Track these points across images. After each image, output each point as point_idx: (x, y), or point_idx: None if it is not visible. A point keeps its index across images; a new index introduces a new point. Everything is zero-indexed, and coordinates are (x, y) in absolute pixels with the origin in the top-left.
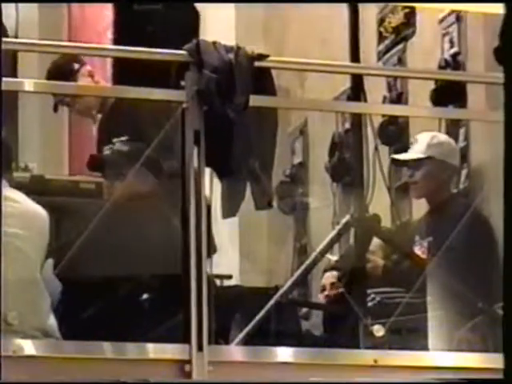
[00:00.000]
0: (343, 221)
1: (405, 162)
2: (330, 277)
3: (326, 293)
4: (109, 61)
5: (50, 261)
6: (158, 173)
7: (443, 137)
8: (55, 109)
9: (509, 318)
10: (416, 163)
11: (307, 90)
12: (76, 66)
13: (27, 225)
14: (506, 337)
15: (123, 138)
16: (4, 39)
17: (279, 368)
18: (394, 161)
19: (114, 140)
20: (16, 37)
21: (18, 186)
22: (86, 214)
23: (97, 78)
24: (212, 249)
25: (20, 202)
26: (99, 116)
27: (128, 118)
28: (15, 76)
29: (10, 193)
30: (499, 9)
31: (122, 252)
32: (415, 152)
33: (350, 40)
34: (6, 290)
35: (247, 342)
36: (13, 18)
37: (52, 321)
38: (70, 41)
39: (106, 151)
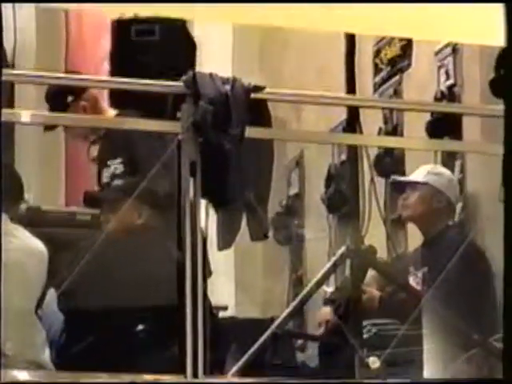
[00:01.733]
0: (339, 252)
1: (403, 187)
2: (324, 314)
3: (321, 330)
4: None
5: (53, 292)
6: (154, 204)
7: (445, 170)
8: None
9: (508, 320)
10: (413, 187)
11: (303, 121)
12: (69, 98)
13: (26, 260)
14: (506, 337)
15: (118, 161)
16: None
17: None
18: (393, 184)
19: (110, 163)
20: (13, 64)
21: (15, 217)
22: (82, 246)
23: (90, 112)
24: (208, 273)
25: (19, 237)
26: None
27: (123, 142)
28: (12, 106)
29: (9, 228)
30: (495, 41)
31: (118, 283)
32: (415, 176)
33: (346, 71)
34: (3, 320)
35: (243, 373)
36: (11, 44)
37: (46, 354)
38: (67, 70)
39: (104, 178)
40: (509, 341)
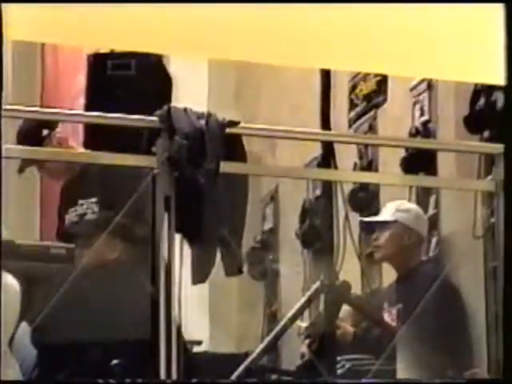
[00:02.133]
0: (313, 287)
1: (372, 227)
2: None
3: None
4: (80, 127)
5: (25, 325)
6: (128, 239)
7: (412, 205)
8: (20, 170)
9: (508, 320)
10: (382, 226)
11: (278, 156)
12: (45, 132)
13: None
14: (506, 337)
15: (92, 200)
16: None
17: None
18: (362, 224)
19: (81, 202)
20: None
21: None
22: (56, 280)
23: (66, 144)
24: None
25: None
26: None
27: (97, 180)
28: None
29: None
30: (470, 77)
31: (92, 317)
32: (383, 216)
33: (322, 107)
34: None
35: None
36: None
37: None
38: (42, 105)
39: (73, 217)
40: (509, 341)
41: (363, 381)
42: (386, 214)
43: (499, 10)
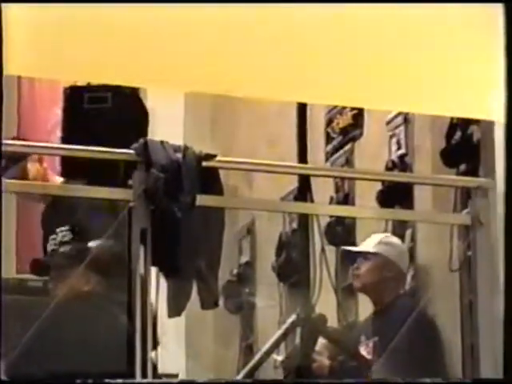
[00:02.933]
0: (289, 320)
1: (353, 257)
2: None
3: None
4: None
5: None
6: (102, 271)
7: (395, 239)
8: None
9: (509, 320)
10: (364, 257)
11: (255, 189)
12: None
13: None
14: (506, 337)
15: (65, 228)
16: None
17: None
18: (343, 254)
19: (57, 230)
20: None
21: None
22: (31, 313)
23: (45, 164)
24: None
25: None
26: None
27: (72, 209)
28: None
29: None
30: (446, 111)
31: (68, 350)
32: (366, 246)
33: (298, 140)
34: None
35: None
36: None
37: None
38: (19, 137)
39: (52, 246)
40: (509, 341)
41: (360, 380)
42: (369, 245)
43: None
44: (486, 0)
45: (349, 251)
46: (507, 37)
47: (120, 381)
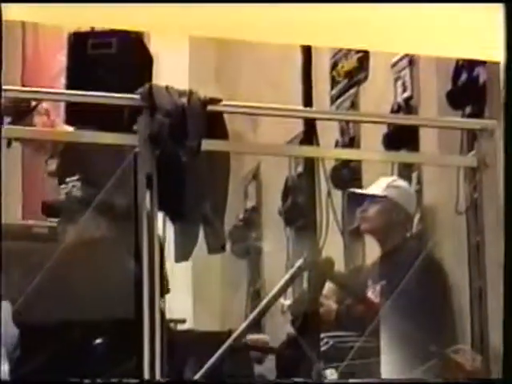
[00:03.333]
0: (296, 265)
1: (360, 200)
2: None
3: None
4: (62, 104)
5: (7, 304)
6: (111, 217)
7: (403, 183)
8: (9, 144)
9: (508, 319)
10: (371, 200)
11: (260, 134)
12: (33, 102)
13: None
14: (506, 337)
15: (75, 178)
16: None
17: None
18: (350, 196)
19: (67, 180)
20: None
21: None
22: (38, 258)
23: (53, 116)
24: (165, 290)
25: None
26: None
27: (80, 158)
28: None
29: None
30: (452, 52)
31: (75, 296)
32: (373, 190)
33: (303, 84)
34: None
35: None
36: None
37: (5, 367)
38: (23, 84)
39: (62, 193)
40: (509, 341)
41: (360, 381)
42: (377, 188)
43: None
44: (486, 0)
45: (356, 194)
46: (507, 37)
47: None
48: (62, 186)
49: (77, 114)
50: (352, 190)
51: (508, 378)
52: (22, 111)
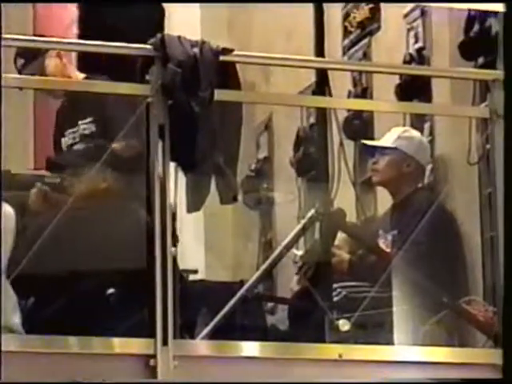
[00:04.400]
0: (308, 215)
1: (372, 151)
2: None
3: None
4: (75, 55)
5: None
6: (118, 168)
7: (416, 133)
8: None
9: (509, 318)
10: (382, 152)
11: (272, 84)
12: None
13: None
14: (506, 337)
15: (88, 120)
16: None
17: (244, 362)
18: (361, 147)
19: (80, 122)
20: None
21: None
22: (51, 209)
23: (65, 59)
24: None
25: None
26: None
27: (93, 102)
28: None
29: None
30: (463, 4)
31: (87, 247)
32: (385, 141)
33: (315, 35)
34: None
35: (213, 336)
36: None
37: (17, 319)
38: (35, 34)
39: (71, 139)
40: (509, 341)
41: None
42: (388, 139)
43: None
44: (486, 0)
45: (367, 145)
46: (507, 36)
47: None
48: (73, 129)
49: (89, 62)
50: (363, 141)
51: (508, 378)
52: (33, 54)
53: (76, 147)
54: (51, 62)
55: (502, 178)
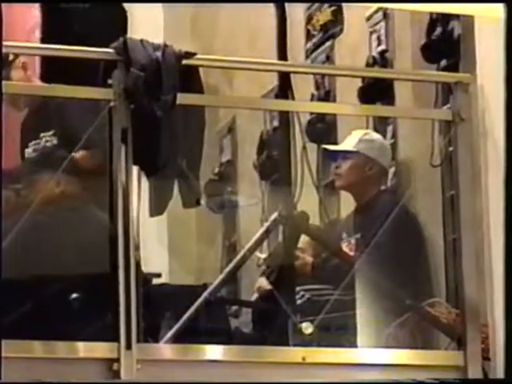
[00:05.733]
0: (271, 218)
1: (334, 155)
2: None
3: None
4: (37, 59)
5: None
6: (81, 174)
7: (376, 136)
8: None
9: (509, 319)
10: (344, 156)
11: (235, 88)
12: (11, 56)
13: None
14: (507, 336)
15: (50, 133)
16: None
17: (208, 366)
18: (323, 152)
19: (42, 135)
20: None
21: None
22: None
23: (30, 71)
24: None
25: None
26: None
27: (55, 114)
28: None
29: None
30: (426, 7)
31: (50, 252)
32: (346, 145)
33: (278, 37)
34: None
35: (176, 340)
36: None
37: None
38: None
39: (32, 152)
40: (509, 340)
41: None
42: (349, 143)
43: None
44: (486, 0)
45: (328, 150)
46: (507, 37)
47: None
48: (35, 141)
49: (51, 70)
50: (324, 146)
51: (508, 378)
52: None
53: (29, 156)
54: (16, 74)
55: (465, 180)
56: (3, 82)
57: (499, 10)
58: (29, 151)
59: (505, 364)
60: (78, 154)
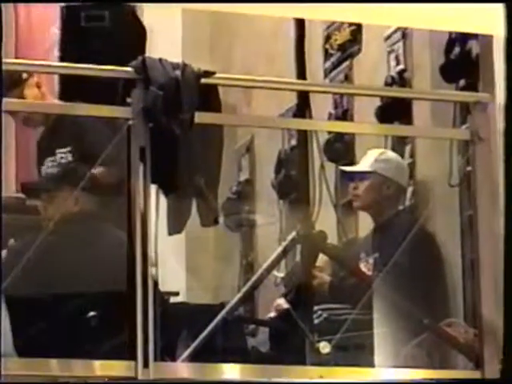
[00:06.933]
0: (289, 237)
1: (351, 176)
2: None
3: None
4: (56, 78)
5: None
6: (100, 191)
7: (392, 155)
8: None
9: (508, 319)
10: (361, 176)
11: (254, 107)
12: (24, 75)
13: None
14: (507, 336)
15: (65, 150)
16: None
17: None
18: (340, 173)
19: (57, 151)
20: None
21: None
22: (31, 232)
23: (43, 88)
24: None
25: None
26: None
27: (72, 131)
28: None
29: None
30: (445, 26)
31: (68, 270)
32: (362, 165)
33: (297, 57)
34: None
35: (193, 358)
36: None
37: (9, 341)
38: (16, 57)
39: (49, 168)
40: (509, 340)
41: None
42: (365, 163)
43: None
44: (486, 0)
45: (345, 171)
46: (507, 37)
47: None
48: (51, 158)
49: (70, 87)
50: (341, 167)
51: (507, 378)
52: (12, 83)
53: (50, 171)
54: (30, 92)
55: (483, 200)
56: (24, 101)
57: None
58: (44, 167)
59: (504, 363)
60: (97, 171)
